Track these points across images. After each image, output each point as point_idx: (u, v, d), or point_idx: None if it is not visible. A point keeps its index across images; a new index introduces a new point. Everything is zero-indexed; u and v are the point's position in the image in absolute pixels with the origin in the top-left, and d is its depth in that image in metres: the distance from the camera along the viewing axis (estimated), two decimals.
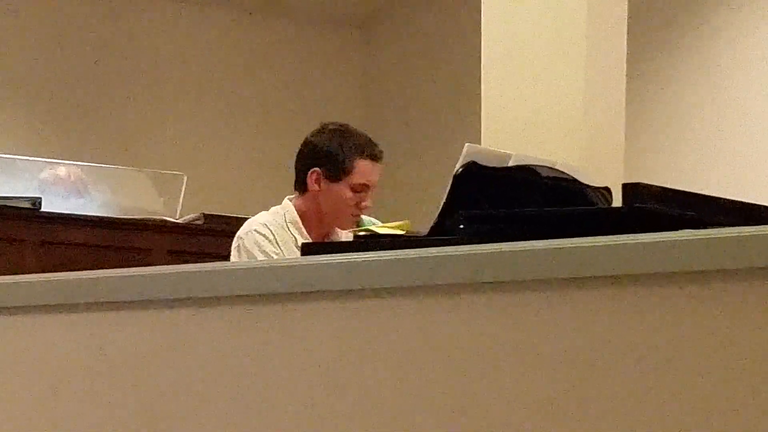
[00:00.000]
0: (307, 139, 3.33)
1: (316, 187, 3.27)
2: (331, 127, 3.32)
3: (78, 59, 8.10)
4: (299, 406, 1.54)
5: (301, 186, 3.31)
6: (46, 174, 4.71)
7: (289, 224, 3.29)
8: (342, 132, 3.30)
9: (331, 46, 9.00)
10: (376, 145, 3.33)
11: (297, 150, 3.36)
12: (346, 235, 3.37)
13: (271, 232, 3.25)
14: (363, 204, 3.28)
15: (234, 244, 3.29)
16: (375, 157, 3.29)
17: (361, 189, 3.27)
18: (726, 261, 1.23)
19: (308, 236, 3.28)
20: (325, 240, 3.31)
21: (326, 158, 3.26)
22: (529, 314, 1.36)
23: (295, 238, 3.27)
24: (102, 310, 1.78)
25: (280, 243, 3.24)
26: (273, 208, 3.35)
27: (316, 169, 3.26)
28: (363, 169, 3.26)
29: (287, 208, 3.32)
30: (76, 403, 1.81)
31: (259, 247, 3.21)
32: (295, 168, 3.34)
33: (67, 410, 1.82)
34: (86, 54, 8.13)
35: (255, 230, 3.25)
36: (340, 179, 3.25)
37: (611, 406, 1.29)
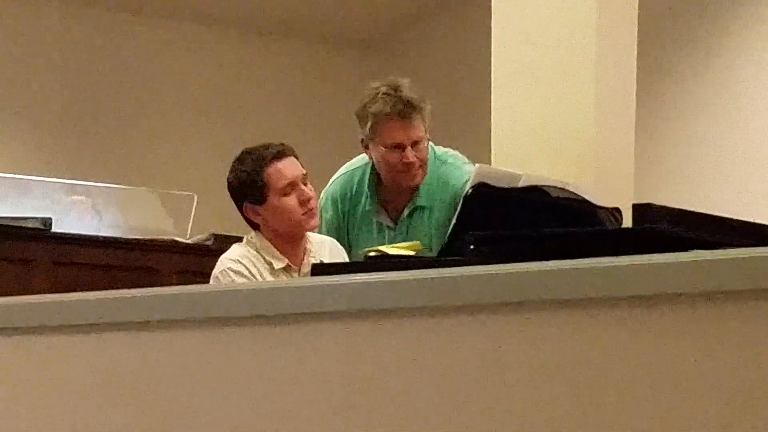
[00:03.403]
0: (227, 183, 3.32)
1: (258, 217, 3.25)
2: (235, 160, 3.29)
3: (89, 81, 8.13)
4: (308, 426, 1.54)
5: (250, 224, 3.31)
6: (69, 199, 4.73)
7: (261, 251, 3.27)
8: (241, 159, 3.27)
9: (339, 68, 9.02)
10: (276, 145, 3.27)
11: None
12: (329, 250, 3.35)
13: (245, 266, 3.23)
14: (304, 198, 3.23)
15: (211, 284, 3.28)
16: (279, 155, 3.23)
17: (290, 189, 3.22)
18: (737, 282, 1.22)
19: (283, 258, 3.26)
20: (305, 257, 3.30)
21: (243, 190, 3.24)
22: (540, 335, 1.36)
23: (270, 263, 3.25)
24: (112, 330, 1.78)
25: (255, 274, 3.21)
26: (245, 238, 3.34)
27: (245, 203, 3.25)
28: (275, 173, 3.21)
29: (256, 237, 3.30)
30: (84, 422, 1.81)
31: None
32: (239, 212, 3.34)
33: (74, 430, 1.82)
34: (97, 76, 8.17)
35: (229, 268, 3.23)
36: (267, 196, 3.21)
37: (622, 423, 1.29)
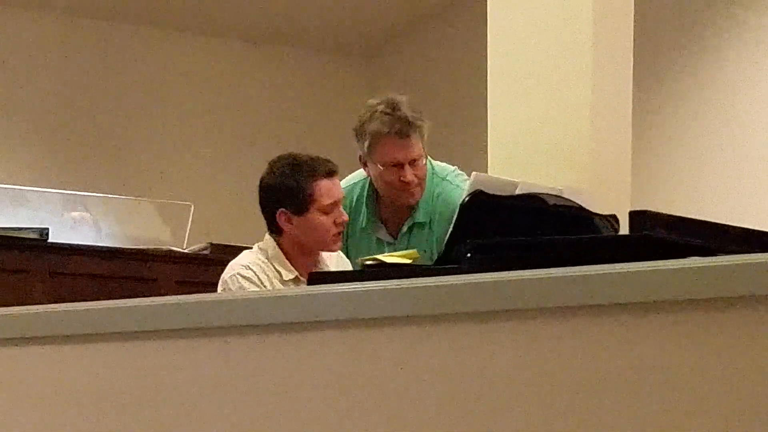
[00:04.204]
0: (261, 182, 3.30)
1: (289, 225, 3.23)
2: (278, 164, 3.27)
3: (86, 91, 8.13)
4: None
5: (274, 228, 3.29)
6: (70, 215, 4.74)
7: (271, 260, 3.26)
8: (290, 164, 3.25)
9: (337, 76, 9.03)
10: (327, 161, 3.27)
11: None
12: (336, 264, 3.35)
13: (255, 273, 3.22)
14: (339, 220, 3.24)
15: (219, 288, 3.27)
16: (330, 173, 3.23)
17: (331, 209, 3.22)
18: (734, 288, 1.22)
19: (293, 269, 3.25)
20: (313, 268, 3.29)
21: (285, 196, 3.22)
22: (537, 343, 1.36)
23: (279, 273, 3.25)
24: (109, 340, 1.78)
25: (264, 282, 3.21)
26: (255, 245, 3.33)
27: (281, 209, 3.23)
28: (324, 190, 3.21)
29: (269, 244, 3.29)
30: None
31: (244, 290, 3.18)
32: (262, 213, 3.31)
33: None
34: (95, 86, 8.17)
35: (239, 274, 3.22)
36: (308, 209, 3.20)
37: (619, 430, 1.29)
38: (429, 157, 3.51)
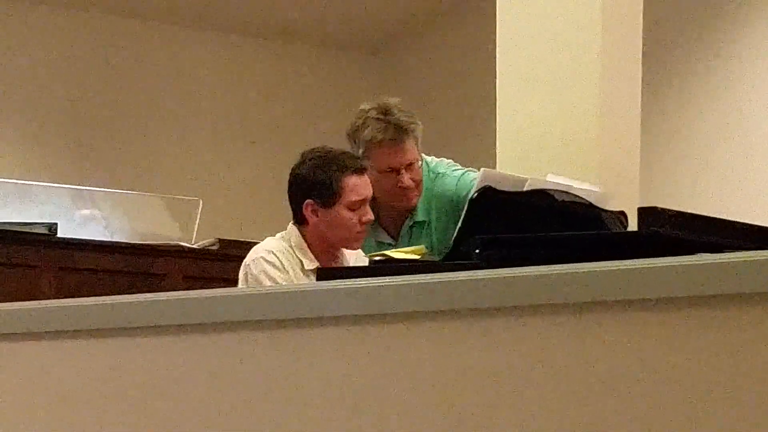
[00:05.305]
0: (292, 172, 3.32)
1: (314, 217, 3.25)
2: (310, 155, 3.29)
3: (94, 86, 8.14)
4: (313, 430, 1.54)
5: (299, 218, 3.31)
6: (79, 213, 4.75)
7: (294, 248, 3.28)
8: (322, 157, 3.26)
9: (345, 72, 9.03)
10: (357, 158, 3.30)
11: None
12: (355, 258, 3.36)
13: (278, 258, 3.24)
14: (364, 219, 3.26)
15: (241, 272, 3.29)
16: (360, 170, 3.25)
17: (357, 206, 3.23)
18: (743, 285, 1.22)
19: (314, 260, 3.27)
20: (333, 262, 3.31)
21: (314, 187, 3.24)
22: (545, 339, 1.35)
23: (301, 262, 3.26)
24: (118, 335, 1.78)
25: (287, 267, 3.23)
26: (278, 234, 3.35)
27: (309, 200, 3.25)
28: (352, 186, 3.22)
29: (292, 233, 3.32)
30: (90, 428, 1.81)
31: (266, 274, 3.20)
32: (290, 202, 3.34)
33: None
34: (102, 81, 8.18)
35: (262, 257, 3.24)
36: (334, 203, 3.22)
37: (628, 428, 1.29)
38: (423, 154, 3.52)
